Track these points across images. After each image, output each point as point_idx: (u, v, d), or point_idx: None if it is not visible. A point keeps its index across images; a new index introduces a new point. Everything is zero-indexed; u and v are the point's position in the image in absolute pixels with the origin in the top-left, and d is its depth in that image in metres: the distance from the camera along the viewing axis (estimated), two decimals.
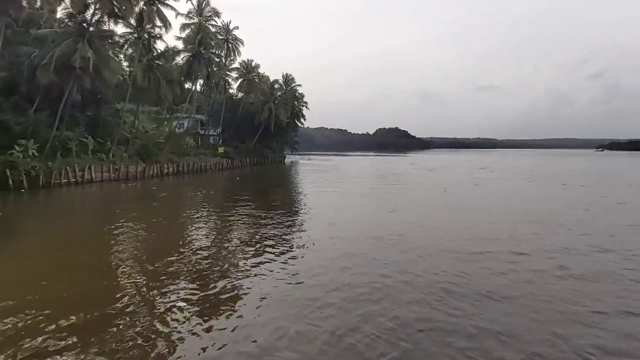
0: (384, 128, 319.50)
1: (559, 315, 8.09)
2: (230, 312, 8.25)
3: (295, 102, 66.79)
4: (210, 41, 45.14)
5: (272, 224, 16.67)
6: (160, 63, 39.45)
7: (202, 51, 44.01)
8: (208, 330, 7.45)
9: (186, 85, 56.41)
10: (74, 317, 7.75)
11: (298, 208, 21.86)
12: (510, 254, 12.35)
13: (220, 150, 56.28)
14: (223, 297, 9.05)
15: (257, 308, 8.35)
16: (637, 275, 10.57)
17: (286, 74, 64.87)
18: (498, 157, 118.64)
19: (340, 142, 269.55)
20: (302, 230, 15.97)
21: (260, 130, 59.60)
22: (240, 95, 65.35)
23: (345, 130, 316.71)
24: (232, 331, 7.38)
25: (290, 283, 9.85)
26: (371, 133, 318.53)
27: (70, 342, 6.88)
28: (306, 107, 69.77)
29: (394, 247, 13.22)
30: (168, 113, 53.60)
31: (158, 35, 38.50)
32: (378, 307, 8.36)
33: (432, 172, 53.76)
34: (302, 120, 72.31)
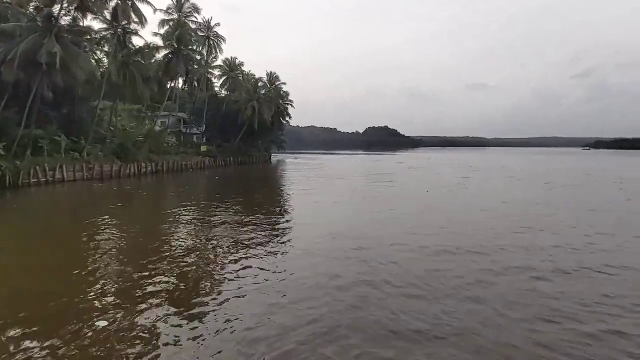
0: (374, 127, 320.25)
1: (513, 317, 7.58)
2: (185, 316, 7.83)
3: (280, 101, 65.92)
4: (189, 38, 44.16)
5: (240, 225, 15.99)
6: (138, 60, 38.40)
7: (182, 48, 42.98)
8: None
9: (169, 84, 55.61)
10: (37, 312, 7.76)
11: (273, 209, 21.13)
12: (476, 255, 11.86)
13: (203, 149, 55.34)
14: (178, 298, 8.47)
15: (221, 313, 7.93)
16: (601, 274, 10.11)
17: (271, 72, 64.07)
18: (486, 156, 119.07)
19: (330, 140, 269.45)
20: (274, 232, 15.29)
21: (244, 129, 58.67)
22: (224, 93, 64.52)
23: (335, 129, 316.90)
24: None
25: (242, 286, 9.23)
26: (361, 132, 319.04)
27: (34, 337, 6.88)
28: (291, 105, 69.04)
29: (362, 249, 12.64)
30: (149, 111, 52.59)
31: (134, 32, 37.50)
32: (325, 310, 7.80)
33: (417, 171, 53.45)
34: (287, 119, 71.55)
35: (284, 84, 65.62)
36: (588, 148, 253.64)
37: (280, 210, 20.57)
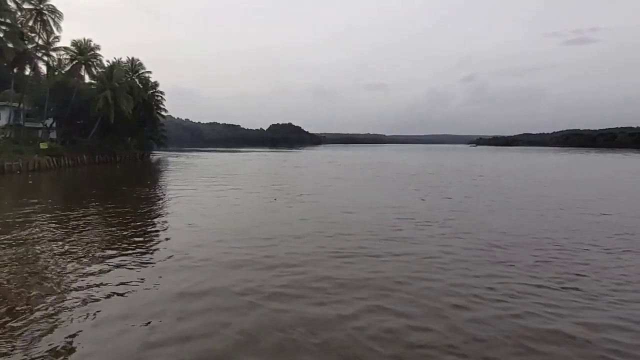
0: (278, 124, 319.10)
1: None
2: None
3: (148, 92, 58.21)
4: (2, 7, 35.28)
5: None
6: None
7: None
8: None
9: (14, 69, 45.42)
10: None
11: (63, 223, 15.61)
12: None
13: (43, 146, 45.97)
14: None
15: None
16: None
17: (132, 58, 55.96)
18: (378, 152, 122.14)
19: (233, 137, 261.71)
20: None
21: (98, 123, 50.30)
22: (91, 82, 55.16)
23: (238, 125, 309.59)
24: None
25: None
26: (265, 128, 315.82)
27: None
28: (162, 97, 61.58)
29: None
30: None
31: None
32: None
33: (297, 169, 50.57)
34: (160, 112, 63.92)
35: (149, 72, 57.96)
36: (474, 144, 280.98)
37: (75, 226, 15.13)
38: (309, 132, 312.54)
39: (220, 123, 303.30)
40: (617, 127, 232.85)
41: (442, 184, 31.72)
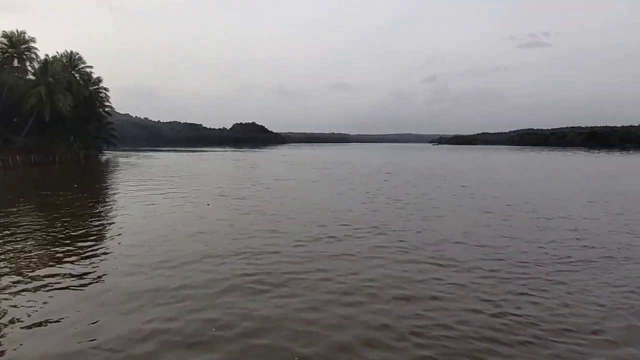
0: (241, 123, 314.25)
1: None
2: None
3: (90, 88, 54.40)
4: None
5: None
6: None
7: None
8: None
9: None
10: None
11: None
12: None
13: None
14: None
15: None
16: None
17: (71, 52, 52.17)
18: (340, 151, 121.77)
19: (194, 137, 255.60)
20: None
21: (32, 121, 46.40)
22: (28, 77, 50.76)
23: (200, 124, 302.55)
24: None
25: None
26: (228, 128, 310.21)
27: None
28: (106, 93, 57.83)
29: None
30: None
31: None
32: None
33: (251, 170, 48.67)
34: (105, 109, 60.04)
35: (90, 67, 54.17)
36: (436, 143, 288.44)
37: None
38: (273, 131, 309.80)
39: (181, 122, 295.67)
40: (567, 127, 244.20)
41: (393, 185, 30.90)
